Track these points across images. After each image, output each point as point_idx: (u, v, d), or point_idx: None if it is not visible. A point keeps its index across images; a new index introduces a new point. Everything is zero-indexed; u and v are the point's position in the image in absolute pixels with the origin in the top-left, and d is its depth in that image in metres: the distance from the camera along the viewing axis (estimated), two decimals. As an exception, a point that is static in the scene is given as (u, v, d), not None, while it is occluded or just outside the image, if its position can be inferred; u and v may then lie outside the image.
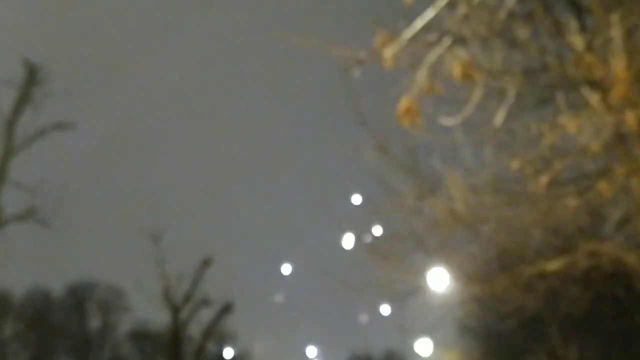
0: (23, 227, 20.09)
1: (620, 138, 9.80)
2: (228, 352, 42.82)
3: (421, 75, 7.86)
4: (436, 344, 34.27)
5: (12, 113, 19.58)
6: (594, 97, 8.36)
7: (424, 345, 34.70)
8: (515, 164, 9.41)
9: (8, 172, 19.19)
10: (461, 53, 8.04)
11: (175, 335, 24.00)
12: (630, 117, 8.84)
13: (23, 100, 19.77)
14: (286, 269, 49.52)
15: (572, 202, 9.77)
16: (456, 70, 7.75)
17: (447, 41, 7.95)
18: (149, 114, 61.71)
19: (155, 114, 61.69)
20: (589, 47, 8.58)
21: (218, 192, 59.24)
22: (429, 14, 7.74)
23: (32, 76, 20.05)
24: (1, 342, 50.36)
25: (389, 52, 7.71)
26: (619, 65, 7.57)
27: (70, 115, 22.52)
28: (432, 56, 7.93)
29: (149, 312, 32.01)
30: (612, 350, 29.72)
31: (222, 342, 50.73)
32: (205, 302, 24.60)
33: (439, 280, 13.48)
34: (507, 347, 29.64)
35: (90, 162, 58.13)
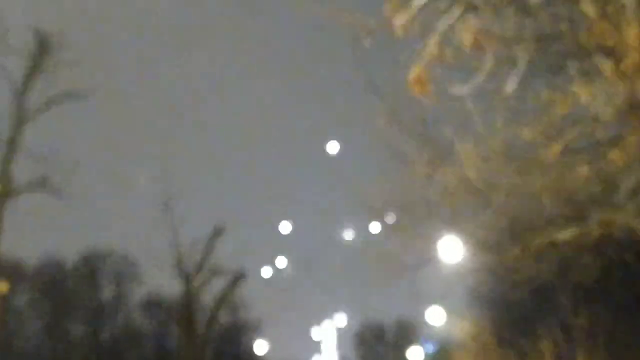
0: (36, 196, 20.26)
1: (632, 106, 9.75)
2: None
3: (432, 44, 7.82)
4: (447, 312, 34.48)
5: (23, 82, 19.68)
6: (606, 65, 8.30)
7: (435, 313, 34.93)
8: (526, 132, 9.39)
9: (21, 142, 19.35)
10: (472, 21, 7.98)
11: (188, 304, 24.25)
12: (643, 85, 8.80)
13: (34, 69, 19.87)
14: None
15: (584, 170, 9.76)
16: (467, 38, 7.69)
17: (458, 9, 7.90)
18: (159, 81, 61.69)
19: (165, 81, 61.68)
20: (602, 14, 8.50)
21: (232, 159, 59.27)
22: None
23: (42, 45, 20.10)
24: (15, 310, 51.08)
25: (399, 20, 7.67)
26: (632, 32, 7.51)
27: (84, 84, 22.56)
28: (442, 24, 7.88)
29: (161, 281, 32.30)
30: (623, 318, 29.81)
31: (235, 311, 51.29)
32: (217, 272, 24.72)
33: (451, 248, 13.56)
34: (518, 315, 29.73)
35: (102, 130, 58.38)
